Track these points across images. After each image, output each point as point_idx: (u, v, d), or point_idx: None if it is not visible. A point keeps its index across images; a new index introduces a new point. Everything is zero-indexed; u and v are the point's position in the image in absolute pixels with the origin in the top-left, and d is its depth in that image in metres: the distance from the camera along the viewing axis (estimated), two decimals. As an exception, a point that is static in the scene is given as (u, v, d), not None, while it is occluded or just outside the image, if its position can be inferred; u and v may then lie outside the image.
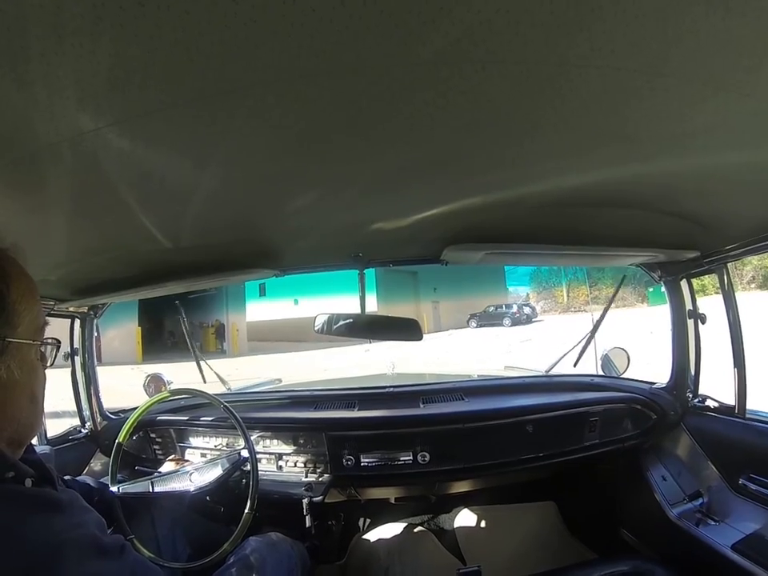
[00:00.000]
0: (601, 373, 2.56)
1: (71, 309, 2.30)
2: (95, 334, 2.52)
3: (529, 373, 2.79)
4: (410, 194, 1.23)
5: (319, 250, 1.90)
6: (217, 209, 1.26)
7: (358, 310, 1.98)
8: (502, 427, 2.12)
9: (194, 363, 2.73)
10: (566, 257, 1.85)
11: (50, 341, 0.87)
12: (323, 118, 0.81)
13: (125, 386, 3.99)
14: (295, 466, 2.20)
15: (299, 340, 18.37)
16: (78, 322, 2.44)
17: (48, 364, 0.87)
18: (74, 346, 2.45)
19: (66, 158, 0.92)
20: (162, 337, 22.49)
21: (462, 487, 2.43)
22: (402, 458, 2.09)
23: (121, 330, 15.65)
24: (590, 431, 2.18)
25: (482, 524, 2.62)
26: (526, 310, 19.79)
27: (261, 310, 21.79)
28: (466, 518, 2.66)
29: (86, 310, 2.40)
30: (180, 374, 2.93)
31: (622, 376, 2.48)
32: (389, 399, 2.41)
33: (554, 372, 2.61)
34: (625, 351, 2.54)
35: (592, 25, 0.59)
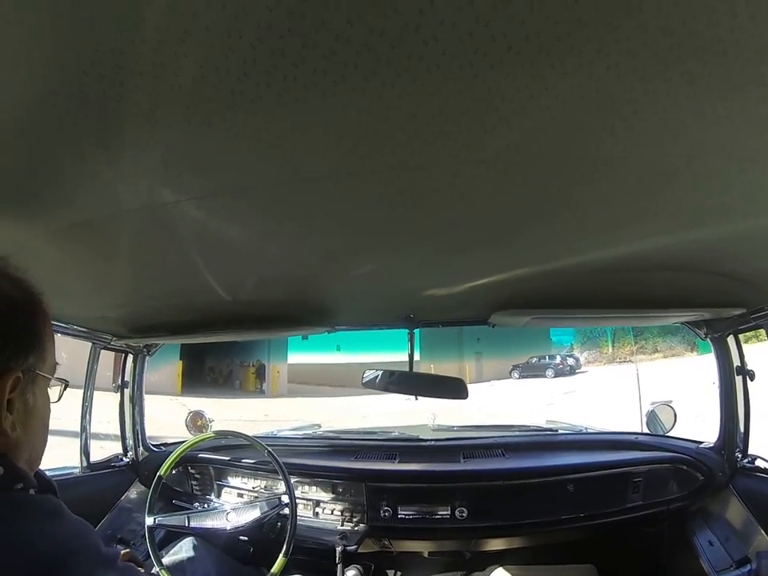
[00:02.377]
0: (646, 429, 2.49)
1: (126, 344, 2.37)
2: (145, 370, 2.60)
3: (571, 428, 2.73)
4: (463, 264, 1.28)
5: (372, 311, 1.97)
6: (278, 271, 1.33)
7: (401, 360, 2.00)
8: (543, 485, 2.09)
9: (231, 400, 2.77)
10: (610, 319, 1.85)
11: (62, 380, 0.92)
12: (389, 203, 0.87)
13: (164, 417, 4.06)
14: (332, 513, 2.19)
15: (340, 385, 18.32)
16: (130, 357, 2.52)
17: (55, 400, 0.90)
18: (125, 379, 2.53)
19: (141, 222, 0.99)
20: (202, 372, 22.75)
21: (498, 545, 2.36)
22: (439, 512, 2.07)
23: (163, 362, 15.90)
24: (633, 492, 2.11)
25: None
26: (570, 361, 19.23)
27: (302, 353, 21.90)
28: None
29: (140, 347, 2.48)
30: (217, 410, 2.97)
31: (668, 434, 2.39)
32: (429, 452, 2.40)
33: (597, 428, 2.57)
34: (671, 408, 2.44)
35: (635, 123, 0.63)
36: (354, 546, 2.06)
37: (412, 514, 2.09)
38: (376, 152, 0.68)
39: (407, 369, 2.00)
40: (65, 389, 0.92)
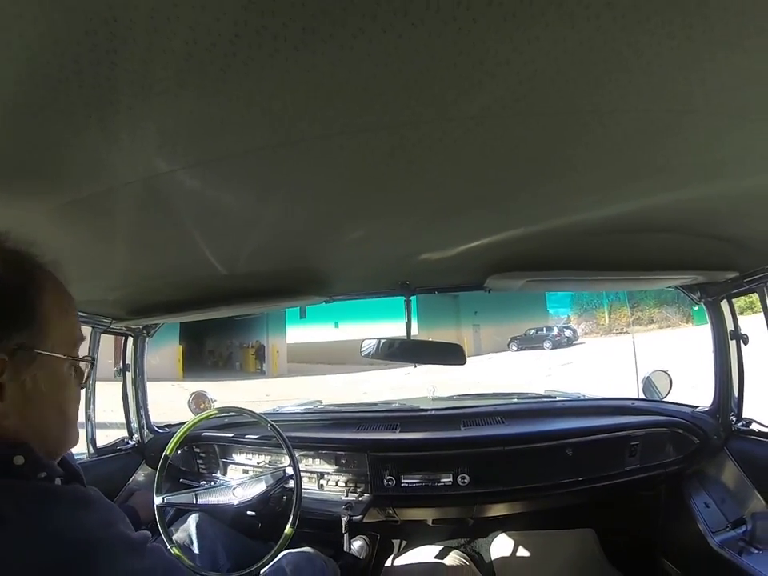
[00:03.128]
0: (642, 396, 2.52)
1: (126, 327, 2.40)
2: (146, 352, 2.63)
3: (569, 395, 2.77)
4: (457, 227, 1.29)
5: (368, 278, 1.97)
6: (274, 240, 1.33)
7: (400, 334, 2.02)
8: (542, 450, 2.12)
9: (233, 382, 2.79)
10: (605, 282, 1.87)
11: (83, 358, 0.84)
12: (381, 164, 0.87)
13: (169, 402, 4.07)
14: (336, 485, 2.23)
15: (339, 362, 18.36)
16: (131, 340, 2.55)
17: (83, 382, 0.85)
18: (126, 362, 2.56)
19: (138, 195, 0.98)
20: (202, 356, 22.85)
21: (499, 511, 2.40)
22: (442, 480, 2.10)
23: (163, 348, 15.92)
24: (631, 456, 2.15)
25: (519, 550, 2.57)
26: (567, 332, 19.36)
27: (301, 332, 21.90)
28: (502, 542, 2.62)
29: (139, 329, 2.51)
30: (219, 392, 2.99)
31: (664, 399, 2.44)
32: (430, 422, 2.43)
33: (594, 395, 2.60)
34: (667, 374, 2.49)
35: (619, 75, 0.64)
36: (360, 516, 2.10)
37: (415, 482, 2.12)
38: (366, 110, 0.69)
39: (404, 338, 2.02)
40: (90, 368, 0.87)
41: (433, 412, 2.51)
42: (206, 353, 23.80)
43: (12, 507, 0.64)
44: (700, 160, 0.94)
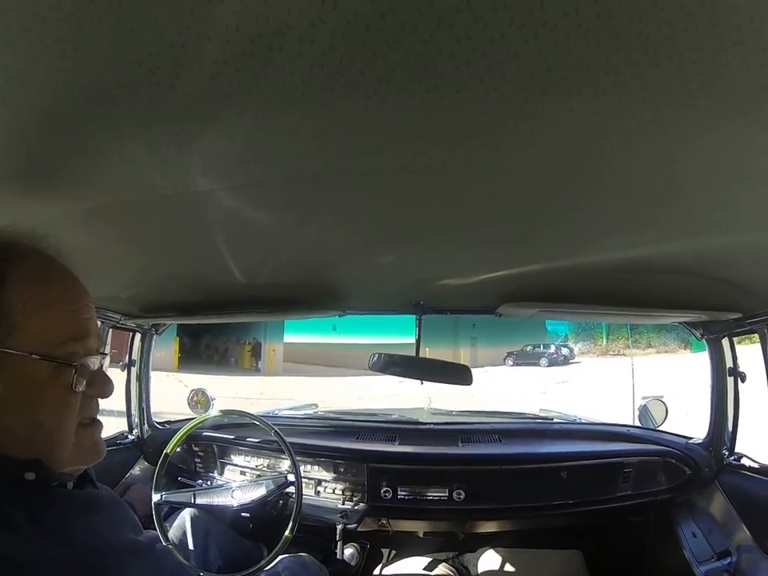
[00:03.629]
0: (637, 423, 2.55)
1: (135, 323, 2.41)
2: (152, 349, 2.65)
3: (565, 417, 2.80)
4: (480, 257, 1.33)
5: (384, 297, 2.02)
6: (299, 258, 1.36)
7: (397, 343, 2.05)
8: (537, 472, 2.16)
9: (226, 377, 2.79)
10: (613, 315, 1.91)
11: (57, 361, 0.70)
12: (423, 202, 0.92)
13: (161, 392, 4.09)
14: (333, 492, 2.25)
15: (335, 365, 18.36)
16: (138, 336, 2.57)
17: (77, 390, 0.72)
18: (132, 358, 2.58)
19: (171, 207, 0.99)
20: (198, 349, 22.73)
21: (490, 527, 2.43)
22: (438, 494, 2.13)
23: (160, 339, 15.84)
24: (624, 482, 2.18)
25: (506, 566, 2.58)
26: (564, 351, 19.28)
27: (299, 333, 21.85)
28: (490, 558, 2.63)
29: (148, 326, 2.53)
30: (213, 387, 3.00)
31: (658, 428, 2.46)
32: (429, 436, 2.45)
33: (590, 419, 2.63)
34: (663, 403, 2.51)
35: (641, 144, 0.68)
36: (354, 525, 2.13)
37: (411, 495, 2.15)
38: (421, 154, 0.71)
39: (407, 352, 2.04)
40: (75, 372, 0.71)
41: (431, 426, 2.53)
42: (203, 346, 23.69)
43: (24, 514, 0.64)
44: (712, 216, 0.98)
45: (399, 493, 2.15)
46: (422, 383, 2.03)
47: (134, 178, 0.87)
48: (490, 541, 2.65)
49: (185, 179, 0.85)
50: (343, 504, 2.19)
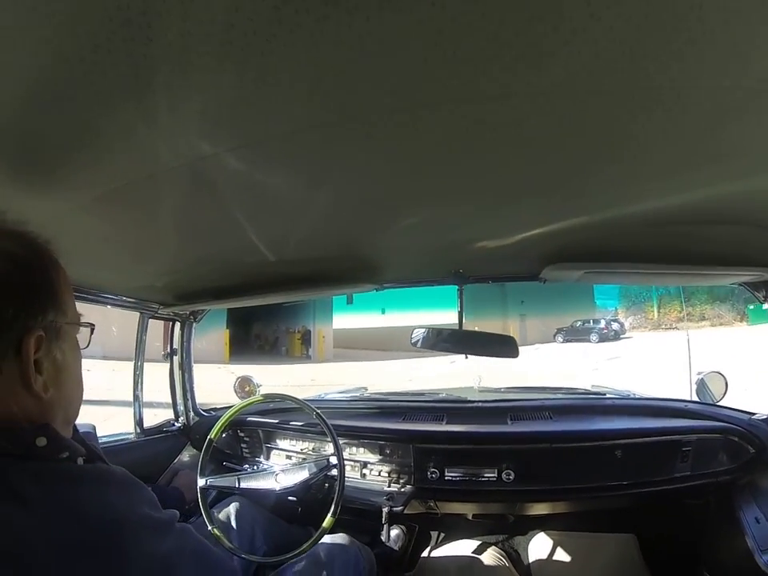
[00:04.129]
0: (695, 398, 2.43)
1: (173, 312, 2.45)
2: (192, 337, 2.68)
3: (619, 393, 2.70)
4: (514, 214, 1.24)
5: (420, 266, 1.93)
6: (324, 225, 1.30)
7: (446, 322, 1.99)
8: (590, 450, 2.06)
9: (278, 367, 2.82)
10: (665, 276, 1.76)
11: (86, 324, 0.89)
12: (438, 144, 0.82)
13: (214, 384, 4.15)
14: (379, 475, 2.22)
15: (385, 349, 18.51)
16: (177, 325, 2.61)
17: (84, 346, 0.88)
18: (174, 347, 2.63)
19: (182, 180, 0.97)
20: (248, 340, 23.35)
21: (541, 509, 2.36)
22: (486, 475, 2.07)
23: (210, 332, 16.30)
24: (682, 462, 2.05)
25: (558, 550, 2.51)
26: (614, 325, 18.98)
27: (348, 318, 22.08)
28: (541, 542, 2.57)
29: (186, 314, 2.56)
30: (265, 376, 3.03)
31: (718, 403, 2.32)
32: (477, 414, 2.39)
33: (645, 394, 2.52)
34: (722, 376, 2.37)
35: (703, 47, 0.58)
36: (401, 507, 2.09)
37: (459, 476, 2.09)
38: (428, 83, 0.64)
39: (456, 327, 1.99)
40: (92, 333, 0.91)
41: (480, 404, 2.46)
42: (253, 337, 24.30)
43: (34, 488, 0.66)
44: None
45: (447, 474, 2.11)
46: (467, 357, 1.96)
47: (138, 154, 0.87)
48: (540, 524, 2.58)
49: (185, 145, 0.84)
50: (389, 486, 2.16)
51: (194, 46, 0.58)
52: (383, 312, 21.60)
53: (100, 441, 0.92)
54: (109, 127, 0.78)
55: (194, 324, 2.66)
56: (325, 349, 21.50)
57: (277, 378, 13.23)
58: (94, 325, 0.90)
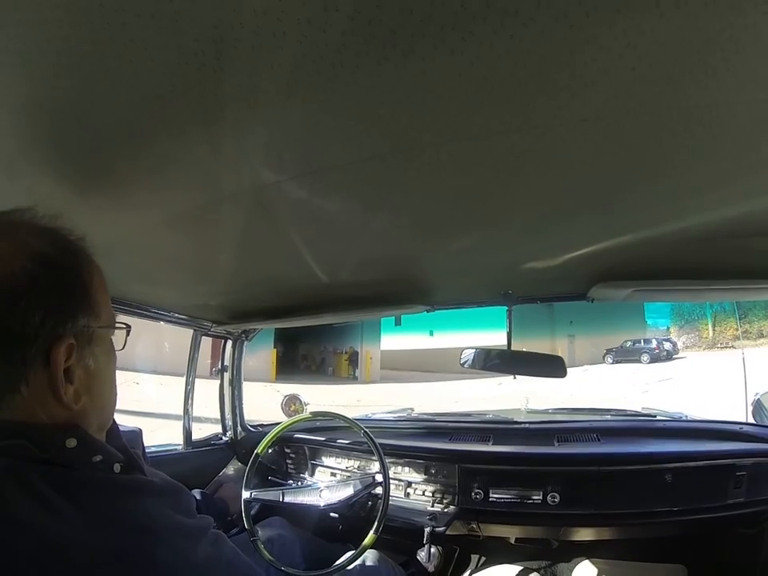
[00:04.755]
0: (751, 420, 2.34)
1: (225, 330, 2.50)
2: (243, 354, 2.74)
3: (670, 415, 2.60)
4: (562, 234, 1.24)
5: (470, 288, 1.94)
6: (377, 249, 1.33)
7: (494, 344, 1.99)
8: (639, 474, 1.99)
9: (324, 386, 2.85)
10: (715, 291, 1.68)
11: (122, 326, 0.84)
12: (487, 171, 0.85)
13: (261, 401, 4.21)
14: (423, 494, 2.21)
15: (432, 371, 18.40)
16: (229, 343, 2.67)
17: (119, 348, 0.84)
18: (225, 363, 2.69)
19: (242, 206, 1.01)
20: (295, 359, 23.52)
21: (586, 536, 2.26)
22: (531, 497, 2.04)
23: (258, 350, 16.52)
24: (735, 487, 1.95)
25: None
26: (667, 345, 18.25)
27: (396, 339, 22.04)
28: (586, 570, 2.42)
29: (238, 333, 2.62)
30: (312, 396, 3.06)
31: (776, 426, 2.23)
32: (524, 435, 2.37)
33: (697, 416, 2.44)
34: (781, 396, 2.30)
35: (737, 64, 0.58)
36: (443, 528, 2.07)
37: (503, 498, 2.06)
38: (477, 115, 0.67)
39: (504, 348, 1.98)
40: (128, 334, 0.86)
41: (527, 425, 2.44)
42: (300, 357, 24.45)
43: (65, 497, 0.63)
44: None
45: (491, 495, 2.09)
46: (515, 378, 1.95)
47: (203, 180, 0.91)
48: (585, 551, 2.47)
49: (249, 173, 0.87)
50: (432, 506, 2.15)
51: (261, 86, 0.62)
52: (431, 334, 21.49)
53: (148, 450, 0.90)
54: (179, 157, 0.82)
55: (246, 342, 2.72)
56: (372, 370, 21.44)
57: (323, 398, 13.28)
58: (129, 326, 0.86)
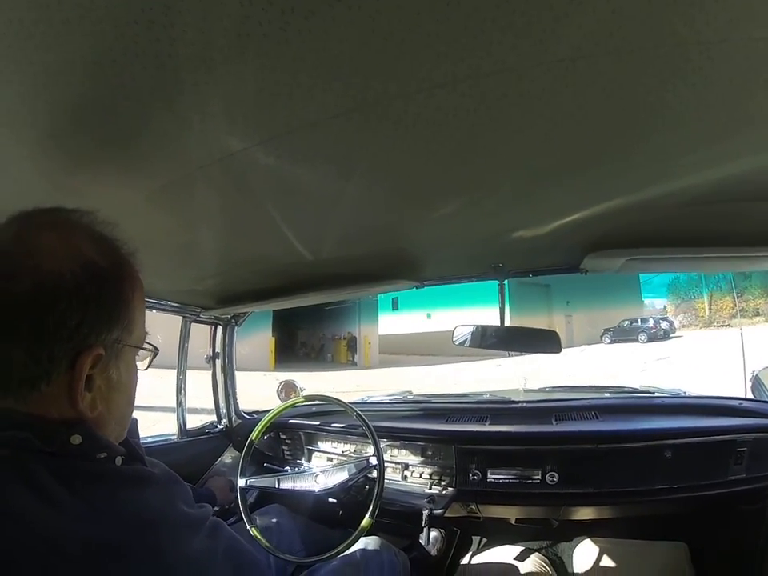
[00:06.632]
0: (750, 396, 2.31)
1: (214, 316, 2.48)
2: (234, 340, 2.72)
3: (668, 392, 2.60)
4: (551, 199, 1.19)
5: (459, 261, 1.88)
6: (359, 220, 1.29)
7: (494, 322, 1.95)
8: (638, 451, 1.97)
9: (324, 373, 2.84)
10: (711, 260, 1.64)
11: (151, 347, 0.86)
12: (465, 125, 0.80)
13: (260, 390, 4.19)
14: (420, 477, 2.20)
15: (431, 354, 18.52)
16: (219, 329, 2.65)
17: (143, 368, 0.86)
18: (216, 350, 2.67)
19: (215, 178, 0.98)
20: (294, 347, 23.67)
21: (586, 515, 2.27)
22: (530, 477, 2.02)
23: (255, 339, 16.55)
24: (736, 463, 1.92)
25: (603, 558, 2.37)
26: (663, 324, 18.43)
27: (393, 323, 22.13)
28: (586, 549, 2.44)
29: (228, 318, 2.60)
30: (310, 383, 3.05)
31: (775, 401, 2.21)
32: (521, 414, 2.35)
33: (696, 393, 2.42)
34: (779, 371, 2.28)
35: None
36: (441, 510, 2.05)
37: (501, 478, 2.04)
38: (443, 61, 0.63)
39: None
40: (154, 357, 0.88)
41: (524, 404, 2.42)
42: (298, 344, 24.63)
43: (65, 488, 0.63)
44: None
45: (489, 476, 2.07)
46: (510, 355, 1.93)
47: (170, 154, 0.89)
48: (585, 530, 2.47)
49: (217, 143, 0.84)
50: (430, 489, 2.14)
51: (214, 41, 0.59)
52: (429, 316, 21.59)
53: (143, 440, 0.91)
54: (141, 130, 0.79)
55: (236, 327, 2.70)
56: (371, 355, 21.59)
57: (322, 385, 13.32)
58: (158, 349, 0.87)
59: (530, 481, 2.02)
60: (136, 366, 0.82)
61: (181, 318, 2.44)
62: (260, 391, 4.10)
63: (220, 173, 0.95)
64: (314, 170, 0.97)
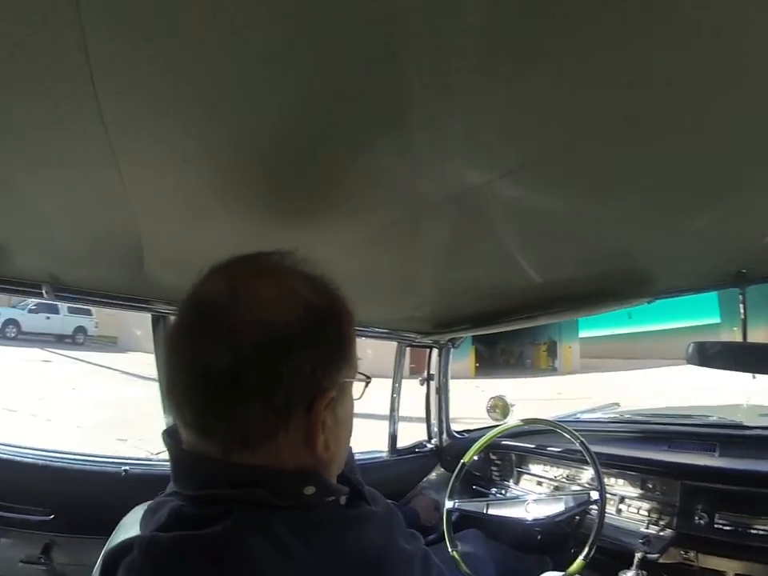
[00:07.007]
0: None
1: (430, 340, 2.54)
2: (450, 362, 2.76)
3: None
4: None
5: (696, 271, 1.66)
6: (596, 240, 1.22)
7: (702, 324, 1.71)
8: None
9: (523, 379, 2.77)
10: None
11: (363, 377, 0.82)
12: (717, 138, 0.72)
13: (461, 398, 4.23)
14: (637, 512, 1.98)
15: (633, 357, 17.37)
16: (435, 351, 2.72)
17: (357, 398, 0.82)
18: (431, 372, 2.76)
19: (449, 213, 0.97)
20: (493, 354, 23.49)
21: None
22: (765, 526, 1.67)
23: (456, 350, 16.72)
24: None
25: None
26: None
27: (594, 326, 21.05)
28: None
29: (444, 341, 2.63)
30: (510, 389, 3.04)
31: None
32: (756, 444, 1.98)
33: None
34: None
35: None
36: (656, 555, 1.79)
37: (732, 525, 1.72)
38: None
39: (712, 335, 1.71)
40: (366, 386, 0.83)
41: (759, 431, 2.06)
42: (498, 351, 24.32)
43: (300, 538, 0.64)
44: None
45: (716, 520, 1.76)
46: (755, 377, 1.63)
47: (399, 191, 0.88)
48: None
49: (453, 175, 0.81)
50: (647, 527, 1.91)
51: (450, 62, 0.55)
52: (629, 316, 20.17)
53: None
54: (372, 166, 0.78)
55: (452, 349, 2.74)
56: (572, 360, 20.79)
57: (522, 391, 13.09)
58: (370, 378, 0.83)
59: (765, 532, 1.68)
60: (353, 396, 0.80)
61: (395, 343, 2.53)
62: (460, 397, 4.14)
63: (453, 207, 0.94)
64: (557, 197, 0.93)
